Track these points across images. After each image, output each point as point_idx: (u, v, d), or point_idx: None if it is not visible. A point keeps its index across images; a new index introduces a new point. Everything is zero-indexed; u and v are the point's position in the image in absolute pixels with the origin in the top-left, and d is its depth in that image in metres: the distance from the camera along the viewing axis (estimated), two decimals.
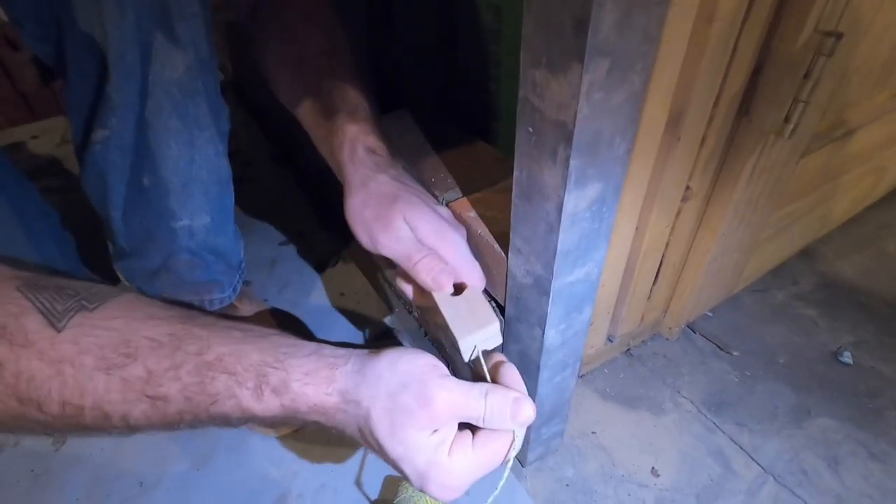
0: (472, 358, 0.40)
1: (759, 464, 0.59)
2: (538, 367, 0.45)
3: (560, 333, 0.43)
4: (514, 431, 0.34)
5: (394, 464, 0.33)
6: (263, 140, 1.13)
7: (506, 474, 0.37)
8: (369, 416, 0.32)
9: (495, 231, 0.44)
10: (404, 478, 0.34)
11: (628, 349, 0.71)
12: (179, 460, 0.60)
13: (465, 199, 0.48)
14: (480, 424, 0.34)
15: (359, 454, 0.60)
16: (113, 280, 0.60)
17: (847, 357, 0.69)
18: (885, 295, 0.78)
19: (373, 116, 0.46)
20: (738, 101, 0.49)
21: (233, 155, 0.98)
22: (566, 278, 0.38)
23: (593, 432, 0.62)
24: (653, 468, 0.59)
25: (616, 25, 0.26)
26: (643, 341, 0.72)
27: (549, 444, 0.58)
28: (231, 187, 0.57)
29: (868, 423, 0.63)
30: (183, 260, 0.56)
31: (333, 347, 0.35)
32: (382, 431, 0.32)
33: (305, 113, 0.51)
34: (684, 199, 0.54)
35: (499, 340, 0.43)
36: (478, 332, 0.40)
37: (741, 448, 0.61)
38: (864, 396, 0.66)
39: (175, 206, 0.51)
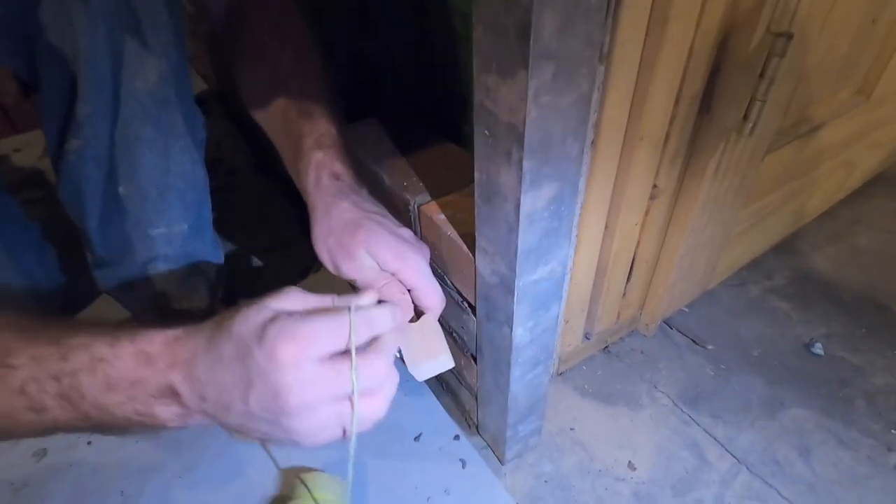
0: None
1: (733, 455, 0.60)
2: (509, 365, 0.46)
3: (528, 331, 0.44)
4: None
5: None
6: (247, 149, 1.14)
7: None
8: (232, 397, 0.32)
9: (463, 232, 0.45)
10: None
11: (606, 346, 0.72)
12: (163, 469, 0.60)
13: (434, 202, 0.49)
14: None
15: (343, 461, 0.61)
16: (93, 290, 0.60)
17: (819, 348, 0.71)
18: (856, 287, 0.80)
19: (339, 141, 0.47)
20: (698, 100, 0.50)
21: (216, 163, 0.98)
22: (530, 276, 0.39)
23: (571, 428, 0.63)
24: (630, 462, 0.60)
25: (557, 31, 0.27)
26: (620, 338, 0.74)
27: (526, 442, 0.59)
28: (208, 195, 0.57)
29: (838, 412, 0.64)
30: (161, 268, 0.57)
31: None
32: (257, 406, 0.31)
33: (275, 135, 0.51)
34: (652, 197, 0.55)
35: (450, 364, 0.46)
36: (426, 363, 0.44)
37: (716, 440, 0.62)
38: (835, 386, 0.67)
39: (151, 215, 0.52)
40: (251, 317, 0.32)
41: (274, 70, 0.50)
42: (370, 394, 0.34)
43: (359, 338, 0.34)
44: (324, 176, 0.44)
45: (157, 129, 0.48)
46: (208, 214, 0.59)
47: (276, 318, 0.32)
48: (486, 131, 0.33)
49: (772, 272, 0.83)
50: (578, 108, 0.31)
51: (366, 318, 0.34)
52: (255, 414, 0.32)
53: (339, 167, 0.45)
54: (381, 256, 0.41)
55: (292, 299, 0.34)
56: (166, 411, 0.33)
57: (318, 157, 0.45)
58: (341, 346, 0.33)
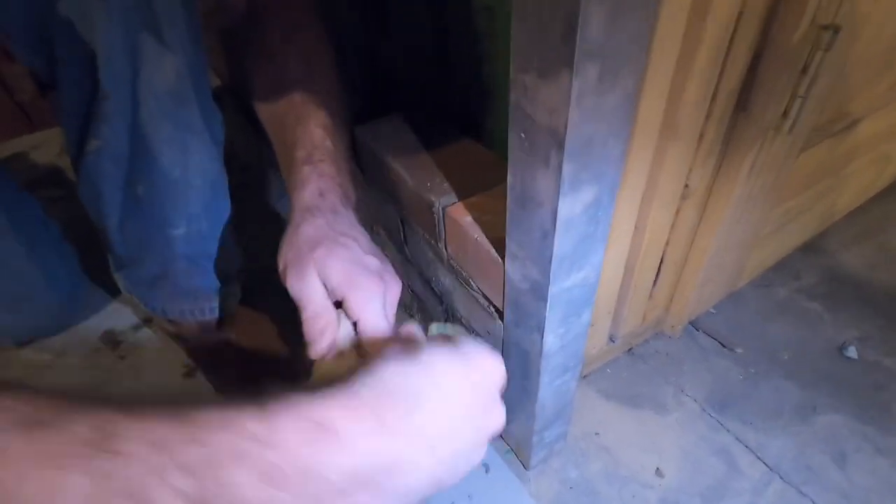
0: None
1: (764, 462, 0.59)
2: (538, 372, 0.45)
3: (559, 338, 0.43)
4: None
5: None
6: (261, 145, 1.13)
7: None
8: None
9: (492, 236, 0.44)
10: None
11: (630, 349, 0.71)
12: None
13: (460, 203, 0.48)
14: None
15: None
16: (115, 290, 0.60)
17: (852, 352, 0.69)
18: (890, 288, 0.78)
19: (333, 154, 0.45)
20: (735, 96, 0.48)
21: (229, 160, 0.97)
22: (563, 283, 0.37)
23: (596, 433, 0.62)
24: (657, 468, 0.58)
25: (604, 28, 0.25)
26: (645, 340, 0.72)
27: (552, 447, 0.58)
28: (227, 193, 0.56)
29: (874, 417, 0.62)
30: (181, 268, 0.56)
31: None
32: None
33: (274, 140, 0.50)
34: (683, 197, 0.53)
35: None
36: None
37: (746, 446, 0.60)
38: (870, 391, 0.65)
39: (171, 214, 0.51)
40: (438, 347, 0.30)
41: (280, 74, 0.49)
42: None
43: None
44: (307, 191, 0.42)
45: (175, 127, 0.47)
46: (227, 212, 0.58)
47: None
48: (522, 134, 0.32)
49: (800, 272, 0.81)
50: (623, 108, 0.29)
51: None
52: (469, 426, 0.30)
53: (325, 184, 0.43)
54: (331, 279, 0.37)
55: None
56: None
57: (305, 171, 0.43)
58: None
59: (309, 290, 0.37)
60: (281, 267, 0.40)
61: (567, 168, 0.30)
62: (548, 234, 0.34)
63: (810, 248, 0.84)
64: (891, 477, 0.57)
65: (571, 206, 0.32)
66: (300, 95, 0.47)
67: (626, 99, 0.29)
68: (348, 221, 0.41)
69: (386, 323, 0.37)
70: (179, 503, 0.20)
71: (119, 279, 0.59)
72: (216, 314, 0.62)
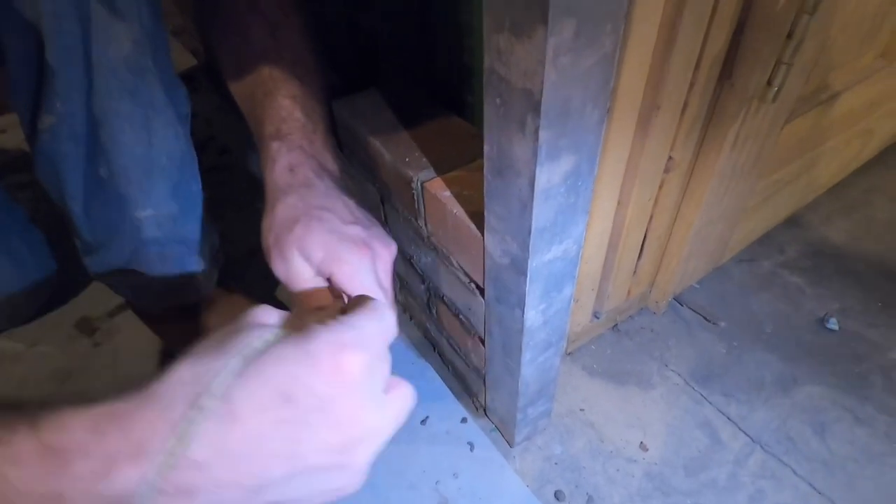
0: None
1: (746, 433, 0.59)
2: (521, 349, 0.44)
3: (541, 313, 0.42)
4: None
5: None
6: (240, 127, 1.10)
7: None
8: None
9: (471, 210, 0.43)
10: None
11: (615, 325, 0.71)
12: None
13: (439, 178, 0.46)
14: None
15: None
16: (86, 276, 0.58)
17: (833, 323, 0.69)
18: (871, 260, 0.78)
19: (304, 125, 0.43)
20: (719, 65, 0.47)
21: (208, 142, 0.94)
22: (543, 256, 0.36)
23: (581, 409, 0.62)
24: (641, 442, 0.59)
25: None
26: (630, 316, 0.72)
27: (536, 424, 0.57)
28: (197, 173, 0.54)
29: (854, 388, 0.63)
30: (152, 251, 0.54)
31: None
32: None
33: (247, 120, 0.48)
34: (667, 170, 0.53)
35: None
36: None
37: (728, 419, 0.60)
38: (850, 362, 0.66)
39: (137, 195, 0.49)
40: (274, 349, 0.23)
41: (245, 45, 0.46)
42: None
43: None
44: (277, 168, 0.40)
45: (135, 101, 0.44)
46: (199, 194, 0.56)
47: (303, 330, 0.24)
48: (498, 99, 0.30)
49: (784, 246, 0.81)
50: (601, 70, 0.28)
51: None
52: (313, 466, 0.23)
53: (295, 157, 0.41)
54: (313, 257, 0.35)
55: (270, 313, 0.27)
56: None
57: (273, 147, 0.41)
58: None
59: (293, 271, 0.36)
60: (266, 254, 0.38)
61: (544, 134, 0.28)
62: (526, 205, 0.32)
63: (794, 221, 0.84)
64: (869, 446, 0.58)
65: (550, 175, 0.31)
66: (268, 67, 0.45)
67: (604, 60, 0.28)
68: (323, 192, 0.39)
69: (380, 292, 0.35)
70: None
71: (87, 263, 0.57)
72: (191, 298, 0.60)
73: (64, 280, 0.77)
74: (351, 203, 0.40)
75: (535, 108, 0.27)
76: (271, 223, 0.38)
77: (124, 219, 0.50)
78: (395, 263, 0.40)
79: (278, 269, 0.37)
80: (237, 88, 0.48)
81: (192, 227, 0.56)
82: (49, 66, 0.39)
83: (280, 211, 0.38)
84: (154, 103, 0.46)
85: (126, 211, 0.50)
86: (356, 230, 0.37)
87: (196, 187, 0.55)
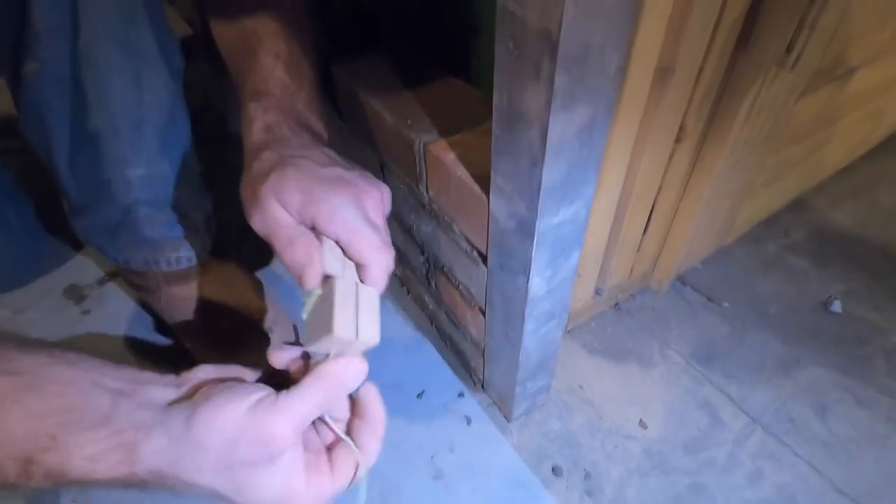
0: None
1: (747, 414, 0.58)
2: (523, 318, 0.42)
3: (546, 281, 0.40)
4: (356, 460, 0.32)
5: None
6: (235, 95, 1.07)
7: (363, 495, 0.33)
8: (201, 485, 0.27)
9: (475, 173, 0.41)
10: None
11: (616, 303, 0.69)
12: None
13: (443, 140, 0.44)
14: (325, 414, 0.31)
15: None
16: (78, 242, 0.56)
17: (837, 306, 0.68)
18: (876, 244, 0.77)
19: (284, 87, 0.41)
20: (737, 29, 0.45)
21: (204, 111, 0.91)
22: (552, 218, 0.35)
23: (580, 387, 0.61)
24: (640, 420, 0.58)
25: None
26: (632, 294, 0.70)
27: (534, 399, 0.56)
28: (189, 132, 0.52)
29: (856, 370, 0.62)
30: (142, 214, 0.52)
31: (135, 406, 0.27)
32: (228, 491, 0.28)
33: (231, 76, 0.45)
34: (678, 140, 0.51)
35: (364, 347, 0.31)
36: (322, 341, 0.30)
37: (729, 399, 0.60)
38: (853, 344, 0.65)
39: (126, 152, 0.47)
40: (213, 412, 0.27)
41: (235, 3, 0.44)
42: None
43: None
44: (254, 129, 0.38)
45: (124, 51, 0.42)
46: (192, 158, 0.54)
47: (294, 493, 0.29)
48: (511, 42, 0.28)
49: (789, 228, 0.80)
50: (622, 8, 0.26)
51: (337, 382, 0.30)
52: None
53: (272, 118, 0.38)
54: (292, 203, 0.33)
55: (207, 371, 0.30)
56: None
57: (250, 109, 0.39)
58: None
59: (271, 221, 0.33)
60: (245, 211, 0.35)
61: (560, 79, 0.26)
62: (537, 161, 0.31)
63: (799, 204, 0.83)
64: (870, 428, 0.57)
65: (564, 127, 0.29)
66: (252, 22, 0.42)
67: None
68: (299, 144, 0.37)
69: (369, 228, 0.33)
70: None
71: (75, 226, 0.54)
72: (183, 265, 0.58)
73: (52, 245, 0.75)
74: (331, 152, 0.37)
75: (553, 49, 0.25)
76: (247, 180, 0.36)
77: (114, 177, 0.48)
78: (389, 209, 0.37)
79: (256, 221, 0.34)
80: (223, 44, 0.46)
81: (185, 191, 0.54)
82: (31, 5, 0.37)
83: (256, 167, 0.35)
84: (145, 55, 0.44)
85: (116, 169, 0.47)
86: (335, 170, 0.35)
87: (189, 149, 0.53)
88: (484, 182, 0.39)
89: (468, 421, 0.57)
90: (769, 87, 0.49)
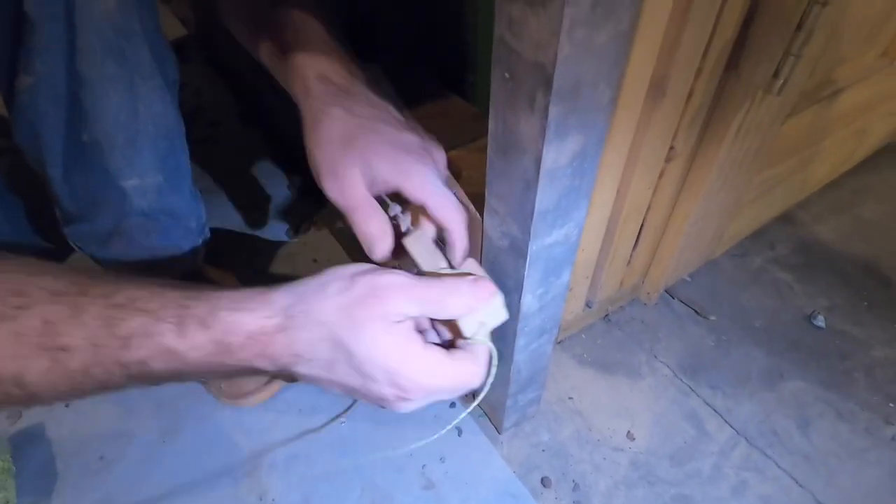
0: (477, 337, 0.35)
1: (731, 426, 0.60)
2: (515, 334, 0.43)
3: (538, 298, 0.41)
4: (490, 346, 0.34)
5: (360, 372, 0.30)
6: (231, 98, 1.07)
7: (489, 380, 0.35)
8: (325, 322, 0.29)
9: (471, 191, 0.42)
10: (366, 398, 0.32)
11: (606, 315, 0.70)
12: (144, 432, 0.58)
13: None
14: (441, 314, 0.32)
15: (333, 426, 0.59)
16: (65, 247, 0.56)
17: (820, 321, 0.70)
18: (859, 259, 0.79)
19: (329, 41, 0.41)
20: (727, 54, 0.46)
21: (198, 114, 0.91)
22: (544, 240, 0.36)
23: (570, 398, 0.62)
24: (628, 432, 0.59)
25: None
26: (621, 307, 0.72)
27: (525, 411, 0.57)
28: (184, 143, 0.52)
29: (838, 384, 0.64)
30: (136, 222, 0.52)
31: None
32: (345, 332, 0.29)
33: (264, 54, 0.46)
34: (668, 160, 0.52)
35: (505, 316, 0.36)
36: (480, 310, 0.34)
37: (715, 411, 0.61)
38: (835, 359, 0.66)
39: (121, 164, 0.47)
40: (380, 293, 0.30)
41: None
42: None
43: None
44: (310, 79, 0.39)
45: (120, 64, 0.42)
46: (186, 165, 0.54)
47: (409, 352, 0.31)
48: (507, 73, 0.29)
49: (775, 242, 0.81)
50: (615, 47, 0.27)
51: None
52: (368, 375, 0.30)
53: (326, 65, 0.39)
54: (379, 174, 0.36)
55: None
56: (251, 374, 0.34)
57: (302, 60, 0.39)
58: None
59: (351, 193, 0.36)
60: (315, 173, 0.38)
61: (554, 111, 0.27)
62: (530, 186, 0.31)
63: (786, 218, 0.85)
64: (850, 441, 0.59)
65: (557, 155, 0.30)
66: None
67: (620, 37, 0.27)
68: (365, 100, 0.39)
69: (449, 193, 0.37)
70: (122, 379, 0.29)
71: (67, 233, 0.54)
72: (175, 274, 0.58)
73: (43, 250, 0.74)
74: (392, 108, 0.40)
75: (547, 83, 0.26)
76: (319, 141, 0.37)
77: (107, 188, 0.48)
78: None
79: (333, 191, 0.37)
80: (252, 29, 0.46)
81: (179, 199, 0.54)
82: (28, 19, 0.37)
83: (327, 126, 0.37)
84: (141, 67, 0.44)
85: (109, 179, 0.48)
86: (413, 138, 0.38)
87: (184, 158, 0.53)
88: (478, 200, 0.40)
89: (459, 432, 0.58)
90: (757, 110, 0.51)
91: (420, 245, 0.38)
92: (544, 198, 0.32)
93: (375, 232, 0.36)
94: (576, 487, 0.54)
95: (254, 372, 0.31)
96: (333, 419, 0.59)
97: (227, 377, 0.32)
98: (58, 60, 0.39)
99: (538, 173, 0.30)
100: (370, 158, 0.35)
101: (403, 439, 0.57)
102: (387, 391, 0.31)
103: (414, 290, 0.31)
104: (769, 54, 0.45)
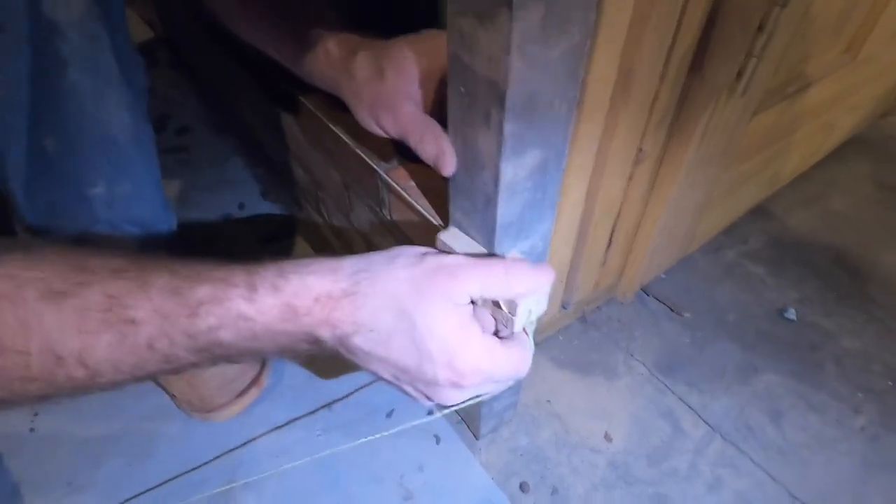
0: (524, 326, 0.34)
1: (706, 422, 0.60)
2: None
3: None
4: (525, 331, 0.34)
5: (418, 348, 0.30)
6: (200, 104, 1.04)
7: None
8: (391, 292, 0.29)
9: (437, 203, 0.41)
10: (416, 383, 0.31)
11: (583, 315, 0.71)
12: (114, 455, 0.56)
13: (403, 168, 0.44)
14: (504, 293, 0.32)
15: (309, 439, 0.58)
16: None
17: (791, 313, 0.71)
18: (829, 251, 0.80)
19: (339, 19, 0.42)
20: (690, 57, 0.46)
21: (166, 121, 0.89)
22: (508, 253, 0.35)
23: (548, 401, 0.62)
24: (606, 433, 0.59)
25: None
26: (598, 307, 0.72)
27: (502, 416, 0.57)
28: (153, 150, 0.51)
29: (809, 376, 0.65)
30: (102, 232, 0.50)
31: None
32: (410, 302, 0.29)
33: (272, 41, 0.45)
34: (637, 162, 0.52)
35: (546, 306, 0.36)
36: (536, 294, 0.33)
37: (690, 408, 0.62)
38: (806, 351, 0.68)
39: (85, 172, 0.46)
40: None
41: None
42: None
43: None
44: (329, 44, 0.39)
45: (86, 73, 0.41)
46: (156, 174, 0.52)
47: (469, 333, 0.30)
48: (462, 88, 0.28)
49: (747, 236, 0.82)
50: (570, 61, 0.26)
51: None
52: (426, 353, 0.30)
53: (340, 34, 0.40)
54: (422, 90, 0.36)
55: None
56: (306, 349, 0.31)
57: (316, 32, 0.40)
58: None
59: (404, 117, 0.36)
60: (367, 120, 0.39)
61: (509, 127, 0.27)
62: (491, 200, 0.31)
63: (758, 212, 0.86)
64: (821, 432, 0.60)
65: (515, 170, 0.29)
66: None
67: (573, 51, 0.26)
68: (389, 43, 0.38)
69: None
70: (186, 353, 0.28)
71: None
72: None
73: None
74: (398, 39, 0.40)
75: (500, 100, 0.26)
76: (357, 89, 0.38)
77: (71, 196, 0.47)
78: None
79: (387, 123, 0.37)
80: (254, 19, 0.45)
81: (147, 209, 0.53)
82: None
83: (359, 73, 0.37)
84: (108, 74, 0.42)
85: (74, 189, 0.46)
86: (429, 44, 0.38)
87: (152, 166, 0.51)
88: (445, 213, 0.39)
89: (437, 440, 0.58)
90: (722, 110, 0.51)
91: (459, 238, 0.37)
92: (506, 212, 0.31)
93: (437, 149, 0.34)
94: (554, 491, 0.54)
95: (308, 345, 0.30)
96: (309, 432, 0.58)
97: (279, 353, 0.31)
98: (20, 67, 0.38)
99: (497, 189, 0.30)
100: (412, 80, 0.36)
101: (380, 450, 0.56)
102: (441, 374, 0.30)
103: (480, 268, 0.31)
104: (732, 56, 0.46)
